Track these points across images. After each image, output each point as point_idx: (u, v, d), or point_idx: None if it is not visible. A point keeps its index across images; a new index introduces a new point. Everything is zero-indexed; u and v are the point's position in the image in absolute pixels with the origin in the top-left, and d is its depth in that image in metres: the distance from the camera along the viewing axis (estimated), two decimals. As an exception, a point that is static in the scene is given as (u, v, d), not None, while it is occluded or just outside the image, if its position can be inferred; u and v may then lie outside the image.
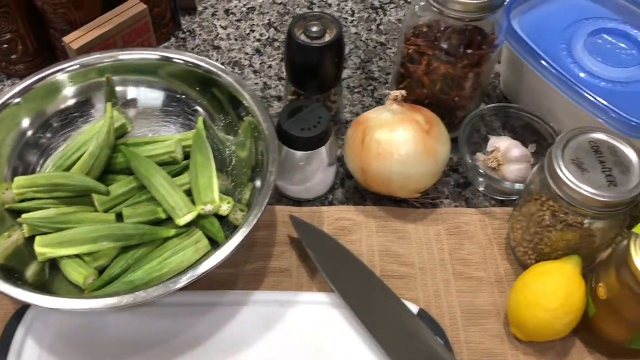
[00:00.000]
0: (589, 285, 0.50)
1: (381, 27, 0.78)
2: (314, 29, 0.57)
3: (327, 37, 0.57)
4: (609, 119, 0.55)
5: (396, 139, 0.55)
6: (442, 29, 0.57)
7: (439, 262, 0.57)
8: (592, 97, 0.56)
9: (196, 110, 0.61)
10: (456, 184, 0.63)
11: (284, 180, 0.60)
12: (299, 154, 0.57)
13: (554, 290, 0.49)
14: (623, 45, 0.62)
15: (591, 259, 0.53)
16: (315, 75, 0.59)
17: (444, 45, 0.57)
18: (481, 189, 0.62)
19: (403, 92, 0.57)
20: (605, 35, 0.62)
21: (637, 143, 0.55)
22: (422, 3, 0.57)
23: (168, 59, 0.59)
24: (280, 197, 0.61)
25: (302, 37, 0.57)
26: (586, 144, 0.49)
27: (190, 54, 0.60)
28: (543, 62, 0.59)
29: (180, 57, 0.59)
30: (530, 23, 0.64)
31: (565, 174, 0.47)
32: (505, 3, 0.63)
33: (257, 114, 0.56)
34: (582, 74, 0.60)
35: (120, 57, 0.59)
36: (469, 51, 0.57)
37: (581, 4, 0.66)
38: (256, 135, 0.56)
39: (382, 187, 0.58)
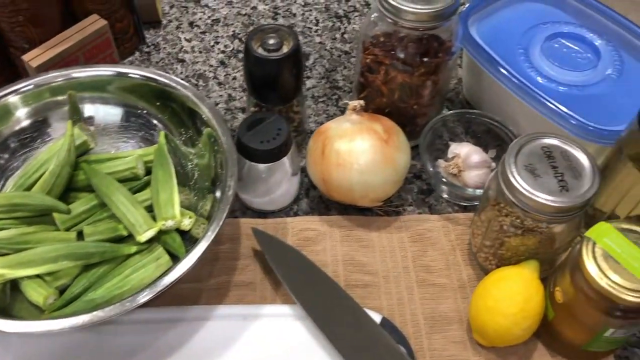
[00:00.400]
0: (548, 289, 0.51)
1: (345, 35, 0.78)
2: (271, 41, 0.57)
3: (285, 49, 0.57)
4: (566, 124, 0.56)
5: (355, 149, 0.56)
6: (399, 37, 0.57)
7: (403, 269, 0.57)
8: (550, 102, 0.57)
9: (157, 125, 0.61)
10: (420, 190, 0.64)
11: (248, 193, 0.60)
12: (260, 166, 0.57)
13: (512, 296, 0.49)
14: (579, 49, 0.62)
15: (552, 262, 0.54)
16: (275, 88, 0.59)
17: (401, 55, 0.57)
18: (444, 195, 0.63)
19: (361, 102, 0.58)
20: (561, 40, 0.63)
21: (595, 147, 0.56)
22: (376, 14, 0.57)
23: (124, 75, 0.59)
24: (245, 210, 0.61)
25: (260, 50, 0.57)
26: (539, 150, 0.49)
27: (147, 68, 0.61)
28: (501, 68, 0.60)
29: (136, 72, 0.59)
30: (488, 29, 0.64)
31: (518, 181, 0.47)
32: (463, 10, 0.64)
33: (216, 128, 0.56)
34: (539, 79, 0.60)
35: (75, 75, 0.59)
36: (426, 59, 0.57)
37: (538, 9, 0.66)
38: (216, 149, 0.56)
39: (344, 196, 0.58)
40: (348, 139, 0.56)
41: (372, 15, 0.58)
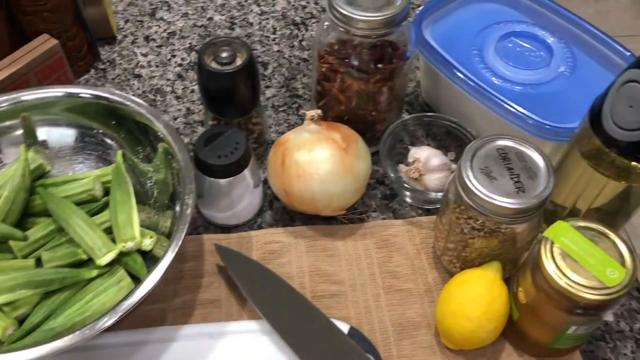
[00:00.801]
0: (512, 290, 0.51)
1: (303, 43, 0.78)
2: (224, 54, 0.56)
3: (239, 62, 0.57)
4: (523, 123, 0.56)
5: (315, 159, 0.55)
6: (352, 45, 0.57)
7: (369, 277, 0.57)
8: (505, 103, 0.57)
9: (113, 145, 0.60)
10: (383, 196, 0.63)
11: (210, 208, 0.60)
12: (220, 181, 0.56)
13: (475, 299, 0.50)
14: (532, 47, 0.63)
15: (515, 261, 0.54)
16: (231, 101, 0.59)
17: (355, 62, 0.57)
18: (408, 199, 0.63)
19: (319, 111, 0.57)
20: (514, 39, 0.64)
21: (552, 145, 0.57)
22: (328, 23, 0.57)
23: (74, 95, 0.58)
24: (208, 225, 0.61)
25: (213, 64, 0.56)
26: (494, 152, 0.50)
27: (98, 87, 0.60)
28: (455, 71, 0.60)
29: (87, 91, 0.58)
30: (443, 31, 0.65)
31: (475, 185, 0.48)
32: (416, 13, 0.64)
33: (172, 144, 0.56)
34: (494, 80, 0.61)
35: (24, 98, 0.58)
36: (380, 66, 0.57)
37: (491, 9, 0.67)
38: (173, 166, 0.56)
39: (307, 207, 0.58)
40: (307, 149, 0.56)
41: (325, 24, 0.58)
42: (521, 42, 0.63)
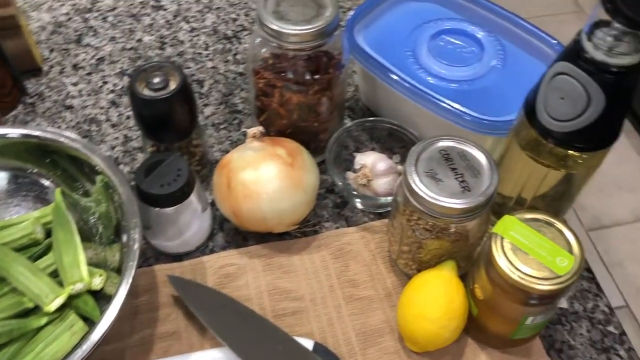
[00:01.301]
0: (469, 286, 0.52)
1: (238, 56, 0.77)
2: (156, 80, 0.55)
3: (172, 86, 0.55)
4: (461, 120, 0.57)
5: (261, 177, 0.55)
6: (287, 58, 0.57)
7: (329, 289, 0.57)
8: (442, 102, 0.58)
9: (49, 184, 0.58)
10: (334, 204, 0.63)
11: (159, 238, 0.58)
12: (166, 210, 0.55)
13: (434, 300, 0.50)
14: (463, 44, 0.64)
15: (469, 257, 0.55)
16: (169, 126, 0.57)
17: (292, 76, 0.57)
18: (359, 205, 0.63)
19: (260, 128, 0.57)
20: (445, 36, 0.65)
21: (492, 139, 0.58)
22: (259, 39, 0.56)
23: (2, 137, 0.56)
24: (158, 256, 0.59)
25: (146, 91, 0.55)
26: (437, 154, 0.50)
27: (26, 125, 0.57)
28: (390, 74, 0.60)
29: (15, 131, 0.56)
30: (375, 35, 0.65)
31: (421, 189, 0.48)
32: (347, 19, 0.64)
33: (112, 178, 0.54)
34: (430, 79, 0.61)
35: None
36: (317, 77, 0.57)
37: (419, 8, 0.68)
38: (115, 199, 0.54)
39: (259, 226, 0.57)
40: (252, 168, 0.55)
41: (257, 40, 0.57)
42: (452, 39, 0.64)
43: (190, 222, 0.57)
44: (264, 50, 0.58)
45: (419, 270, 0.55)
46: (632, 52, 0.42)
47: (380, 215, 0.62)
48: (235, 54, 0.77)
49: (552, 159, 0.49)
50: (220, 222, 0.62)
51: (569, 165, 0.49)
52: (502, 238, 0.46)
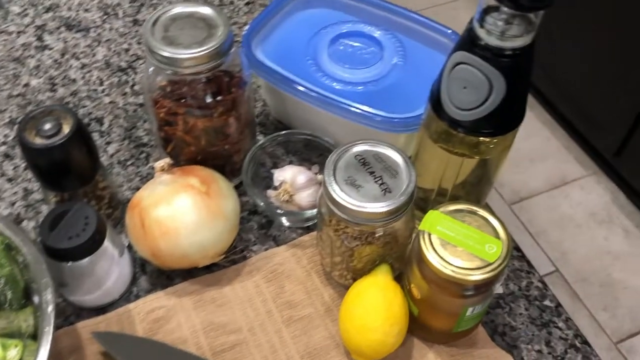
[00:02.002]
0: (405, 287, 0.51)
1: (136, 87, 0.73)
2: (47, 126, 0.51)
3: (66, 129, 0.52)
4: (372, 122, 0.57)
5: (176, 212, 0.52)
6: (186, 83, 0.54)
7: (266, 315, 0.55)
8: (350, 106, 0.57)
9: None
10: (259, 225, 0.61)
11: (77, 294, 0.54)
12: (79, 263, 0.51)
13: (374, 308, 0.49)
14: (362, 45, 0.64)
15: (402, 257, 0.54)
16: (69, 173, 0.53)
17: (193, 101, 0.54)
18: (285, 223, 0.61)
19: (167, 160, 0.54)
20: (344, 40, 0.64)
21: (406, 135, 0.57)
22: (152, 68, 0.53)
23: None
24: (79, 312, 0.55)
25: (37, 140, 0.51)
26: (353, 160, 0.49)
27: None
28: (295, 85, 0.59)
29: None
30: (274, 47, 0.63)
31: (343, 198, 0.47)
32: (243, 34, 0.62)
33: (12, 238, 0.49)
34: (336, 85, 0.61)
35: None
36: (220, 98, 0.55)
37: (314, 15, 0.67)
38: (20, 261, 0.49)
39: (182, 263, 0.54)
40: (166, 204, 0.52)
41: (150, 69, 0.54)
42: (351, 42, 0.64)
43: (108, 270, 0.53)
44: (159, 78, 0.55)
45: (354, 279, 0.54)
46: (523, 33, 0.42)
47: (309, 229, 0.61)
48: (132, 85, 0.73)
49: (465, 148, 0.49)
50: (141, 265, 0.58)
51: (482, 151, 0.50)
52: (429, 234, 0.46)
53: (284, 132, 0.62)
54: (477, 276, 0.44)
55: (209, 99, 0.55)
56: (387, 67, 0.62)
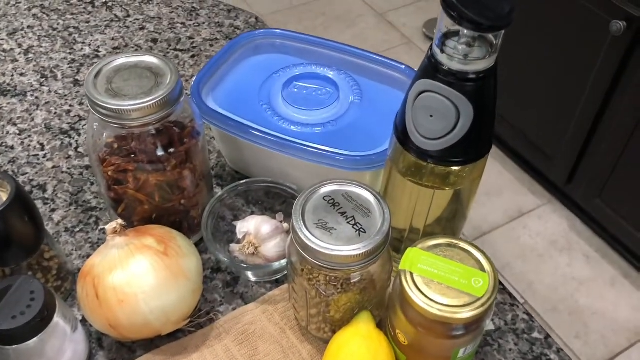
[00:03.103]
0: (389, 333, 0.48)
1: (80, 149, 0.69)
2: (-18, 195, 0.46)
3: (3, 197, 0.47)
4: (335, 162, 0.54)
5: (133, 276, 0.47)
6: (135, 137, 0.51)
7: (240, 380, 0.50)
8: (311, 147, 0.55)
9: None
10: (224, 284, 0.57)
11: (24, 380, 0.48)
12: (26, 345, 0.45)
13: (359, 359, 0.45)
14: (317, 86, 0.62)
15: (382, 303, 0.51)
16: (9, 245, 0.48)
17: (143, 156, 0.50)
18: (252, 278, 0.57)
19: (120, 221, 0.49)
20: (298, 82, 0.62)
21: (372, 173, 0.55)
22: (97, 124, 0.50)
23: None
24: (29, 401, 0.49)
25: (-29, 211, 0.46)
26: (322, 202, 0.46)
27: None
28: (252, 130, 0.56)
29: None
30: (224, 96, 0.61)
31: (315, 242, 0.44)
32: (191, 85, 0.59)
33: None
34: (293, 128, 0.58)
35: None
36: (172, 150, 0.51)
37: (263, 60, 0.65)
38: (-43, 352, 0.43)
39: (144, 332, 0.49)
40: (121, 269, 0.48)
41: (94, 125, 0.51)
42: (305, 84, 0.62)
43: (60, 349, 0.48)
44: (105, 134, 0.51)
45: (333, 332, 0.50)
46: (485, 55, 0.41)
47: (278, 282, 0.57)
48: (76, 148, 0.69)
49: (436, 179, 0.47)
50: (97, 339, 0.53)
51: (453, 182, 0.48)
52: (411, 273, 0.43)
53: (243, 181, 0.59)
54: (467, 313, 0.41)
55: (160, 152, 0.51)
56: (344, 106, 0.60)
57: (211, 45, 0.82)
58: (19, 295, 0.45)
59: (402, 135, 0.46)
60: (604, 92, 1.34)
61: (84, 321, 0.52)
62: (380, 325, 0.49)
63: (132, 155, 0.51)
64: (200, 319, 0.53)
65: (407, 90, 0.44)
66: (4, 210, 0.46)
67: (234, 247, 0.56)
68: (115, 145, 0.51)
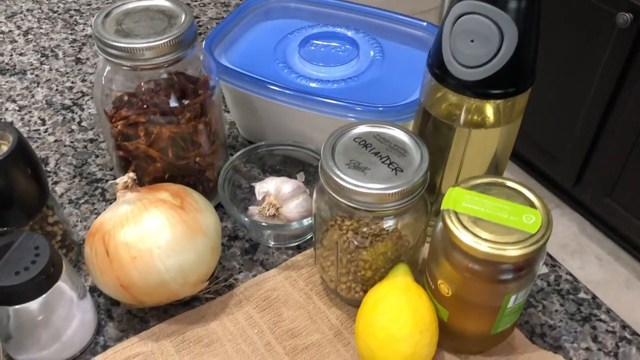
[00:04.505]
0: (428, 289, 0.44)
1: (84, 124, 0.65)
2: (-20, 145, 0.42)
3: (4, 148, 0.43)
4: (356, 114, 0.51)
5: (147, 231, 0.43)
6: (146, 91, 0.47)
7: (265, 348, 0.46)
8: (332, 100, 0.51)
9: None
10: (243, 251, 0.53)
11: (27, 350, 0.43)
12: (30, 306, 0.41)
13: (398, 314, 0.41)
14: (336, 44, 0.59)
15: (414, 262, 0.47)
16: (10, 201, 0.44)
17: (155, 107, 0.47)
18: (272, 243, 0.53)
19: (131, 174, 0.46)
20: (315, 41, 0.59)
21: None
22: (105, 74, 0.46)
23: None
24: (32, 375, 0.44)
25: (-31, 161, 0.42)
26: (352, 143, 0.43)
27: None
28: (271, 85, 0.53)
29: None
30: (238, 56, 0.58)
31: (349, 182, 0.40)
32: (204, 42, 0.56)
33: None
34: (312, 84, 0.55)
35: None
36: (187, 102, 0.48)
37: (276, 24, 0.62)
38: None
39: (159, 294, 0.45)
40: (134, 223, 0.43)
41: (103, 77, 0.47)
42: (323, 42, 0.59)
43: (67, 316, 0.43)
44: (114, 86, 0.47)
45: (364, 292, 0.46)
46: (530, -30, 0.38)
47: (299, 249, 0.53)
48: (79, 122, 0.65)
49: (473, 117, 0.43)
50: (106, 310, 0.48)
51: (491, 121, 0.44)
52: (455, 212, 0.39)
53: (261, 143, 0.55)
54: (519, 250, 0.37)
55: (174, 103, 0.47)
56: (365, 63, 0.57)
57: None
58: (22, 252, 0.41)
59: (438, 69, 0.42)
60: (612, 87, 1.32)
61: (91, 291, 0.48)
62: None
63: (145, 107, 0.47)
64: (217, 286, 0.49)
65: (443, 18, 0.41)
66: (5, 160, 0.42)
67: (252, 209, 0.52)
68: (125, 98, 0.48)
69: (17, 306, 0.40)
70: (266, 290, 0.49)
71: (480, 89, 0.41)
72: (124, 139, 0.49)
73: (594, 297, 0.50)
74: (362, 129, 0.44)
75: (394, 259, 0.45)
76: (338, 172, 0.40)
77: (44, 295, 0.41)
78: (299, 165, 0.56)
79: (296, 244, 0.53)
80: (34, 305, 0.41)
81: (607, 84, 1.30)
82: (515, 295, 0.40)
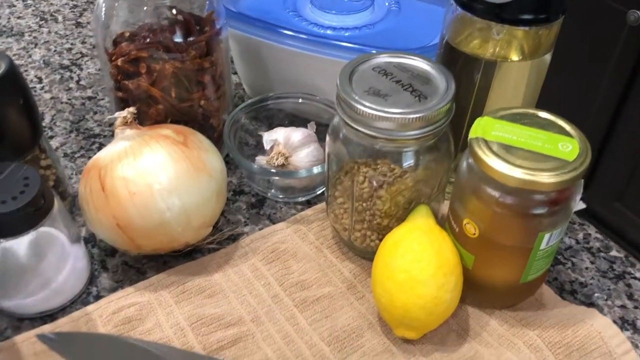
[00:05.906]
0: (451, 233, 0.40)
1: (82, 82, 0.62)
2: (-31, 68, 0.39)
3: (-5, 74, 0.40)
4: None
5: (148, 165, 0.40)
6: (149, 28, 0.44)
7: (273, 300, 0.42)
8: (349, 44, 0.48)
9: None
10: (249, 205, 0.49)
11: (13, 296, 0.39)
12: (17, 242, 0.37)
13: (420, 255, 0.37)
14: (348, -7, 0.56)
15: (434, 207, 0.43)
16: (1, 134, 0.41)
17: (159, 42, 0.44)
18: (280, 196, 0.49)
19: (131, 109, 0.42)
20: (327, -10, 0.56)
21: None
22: (105, 8, 0.43)
23: None
24: (18, 324, 0.40)
25: (-44, 85, 0.39)
26: (371, 72, 0.39)
27: None
28: (284, 30, 0.50)
29: None
30: (246, 6, 0.55)
31: (369, 106, 0.36)
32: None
33: None
34: (328, 32, 0.52)
35: None
36: (192, 39, 0.45)
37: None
38: None
39: (158, 239, 0.41)
40: (132, 157, 0.40)
41: (103, 11, 0.44)
42: (335, -9, 0.56)
43: (59, 259, 0.40)
44: (114, 20, 0.44)
45: (380, 240, 0.42)
46: None
47: (308, 204, 0.49)
48: (78, 81, 0.62)
49: (501, 49, 0.40)
50: (101, 261, 0.45)
51: (519, 52, 0.41)
52: (484, 140, 0.36)
53: (271, 94, 0.52)
54: (557, 177, 0.34)
55: (178, 39, 0.44)
56: (381, 12, 0.54)
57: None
58: (10, 182, 0.38)
59: (463, -4, 0.40)
60: (623, 86, 1.29)
61: (90, 242, 0.45)
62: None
63: (148, 42, 0.44)
64: (221, 237, 0.45)
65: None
66: (-5, 85, 0.39)
67: (260, 159, 0.49)
68: (127, 35, 0.45)
69: (3, 243, 0.37)
70: (274, 243, 0.46)
71: (510, 15, 0.38)
72: (125, 77, 0.45)
73: (627, 255, 0.46)
74: (381, 58, 0.40)
75: (413, 200, 0.41)
76: (356, 97, 0.37)
77: (32, 233, 0.38)
78: (307, 116, 0.53)
79: (305, 198, 0.49)
80: (22, 244, 0.38)
81: (618, 83, 1.28)
82: (549, 234, 0.36)
